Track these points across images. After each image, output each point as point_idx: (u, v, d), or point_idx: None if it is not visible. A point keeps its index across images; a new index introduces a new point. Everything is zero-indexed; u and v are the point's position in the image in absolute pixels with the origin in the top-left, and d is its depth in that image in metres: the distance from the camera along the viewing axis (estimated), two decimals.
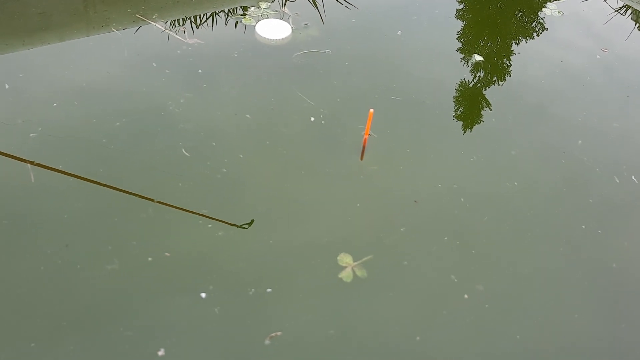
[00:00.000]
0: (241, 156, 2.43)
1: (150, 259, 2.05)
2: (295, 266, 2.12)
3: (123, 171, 2.31)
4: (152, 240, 2.10)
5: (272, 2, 3.37)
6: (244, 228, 2.15)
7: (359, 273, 2.11)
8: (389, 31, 3.33)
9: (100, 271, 2.00)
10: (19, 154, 2.30)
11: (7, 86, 2.57)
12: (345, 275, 2.10)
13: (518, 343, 2.03)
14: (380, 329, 2.00)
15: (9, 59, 2.81)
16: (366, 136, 2.51)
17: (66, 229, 2.10)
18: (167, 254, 2.07)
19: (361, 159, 2.51)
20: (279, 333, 1.93)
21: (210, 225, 2.17)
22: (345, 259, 2.15)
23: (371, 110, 2.41)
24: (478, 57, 3.21)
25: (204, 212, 2.20)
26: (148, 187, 2.26)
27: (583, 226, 2.41)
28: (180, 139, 2.44)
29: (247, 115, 2.60)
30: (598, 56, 3.36)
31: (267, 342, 1.90)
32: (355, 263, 2.14)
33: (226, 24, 3.19)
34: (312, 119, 2.60)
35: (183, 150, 2.39)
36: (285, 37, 3.12)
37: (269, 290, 2.03)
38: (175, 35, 3.00)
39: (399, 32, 3.31)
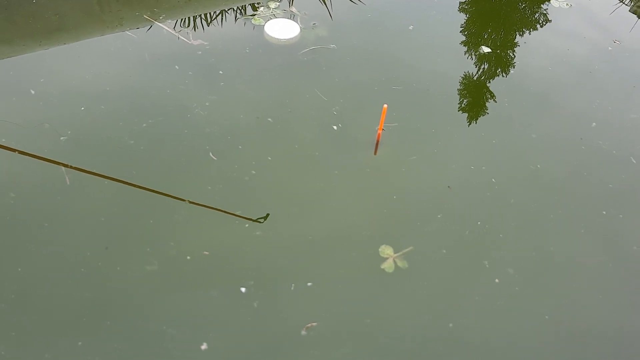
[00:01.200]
0: (269, 158, 2.47)
1: (189, 257, 2.09)
2: (336, 259, 2.18)
3: (153, 172, 2.35)
4: (190, 240, 2.15)
5: (281, 1, 3.39)
6: (260, 222, 2.19)
7: (400, 264, 2.17)
8: (398, 27, 3.36)
9: (141, 272, 2.04)
10: (51, 157, 2.33)
11: (32, 92, 2.60)
12: (387, 266, 2.16)
13: (546, 324, 2.10)
14: (414, 317, 2.07)
15: (27, 60, 2.83)
16: (380, 131, 2.55)
17: (104, 231, 2.14)
18: (206, 253, 2.11)
19: (375, 153, 2.56)
20: (314, 324, 1.97)
21: (247, 225, 2.22)
22: (386, 250, 2.20)
23: (385, 105, 2.46)
24: (486, 49, 3.26)
25: (238, 212, 2.24)
26: (178, 187, 2.30)
27: (604, 212, 2.49)
28: (206, 142, 2.48)
29: (269, 119, 2.64)
30: (610, 48, 3.42)
31: (303, 332, 1.95)
32: (396, 254, 2.20)
33: (235, 22, 3.21)
34: (335, 127, 2.64)
35: (210, 154, 2.43)
36: (294, 37, 3.14)
37: (309, 284, 2.08)
38: (182, 37, 3.02)
39: (411, 27, 3.35)
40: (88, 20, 3.10)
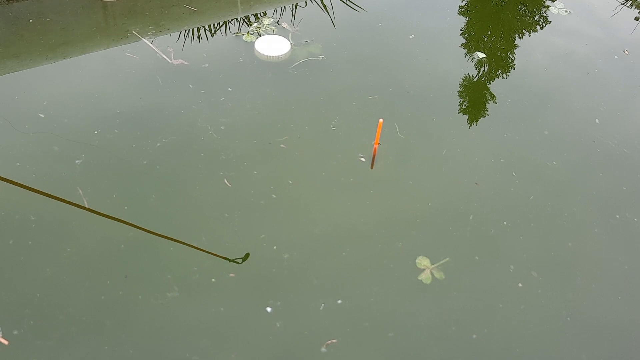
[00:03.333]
0: (290, 182, 2.49)
1: (213, 280, 2.12)
2: (370, 275, 2.22)
3: (171, 196, 2.38)
4: (214, 265, 2.17)
5: (280, 17, 3.39)
6: (237, 263, 2.20)
7: (437, 275, 2.23)
8: (398, 35, 3.38)
9: (162, 300, 2.06)
10: (68, 181, 2.34)
11: (42, 115, 2.61)
12: (425, 277, 2.21)
13: (568, 325, 2.16)
14: (440, 329, 2.11)
15: (34, 79, 2.84)
16: (376, 145, 2.59)
17: (124, 259, 2.15)
18: (232, 275, 2.14)
19: (371, 167, 2.59)
20: (334, 340, 2.01)
21: (275, 247, 2.24)
22: (423, 261, 2.26)
23: (380, 120, 2.50)
24: (480, 54, 3.31)
25: (262, 236, 2.27)
26: (194, 213, 2.34)
27: (617, 215, 2.55)
28: (221, 169, 2.49)
29: (282, 146, 2.63)
30: (616, 57, 3.46)
31: (323, 349, 1.99)
32: (433, 265, 2.25)
33: (223, 38, 3.21)
34: (363, 159, 2.63)
35: (225, 181, 2.45)
36: (285, 54, 3.10)
37: (339, 301, 2.12)
38: (164, 56, 3.00)
39: (412, 36, 3.38)
40: (94, 33, 3.11)
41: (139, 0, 3.30)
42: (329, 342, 2.02)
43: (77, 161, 2.42)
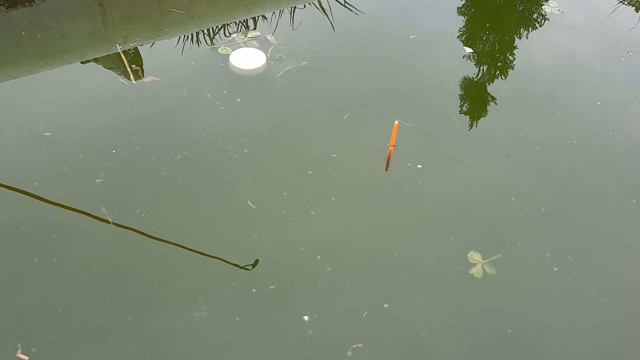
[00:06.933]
0: (333, 199, 2.47)
1: (254, 290, 2.11)
2: (417, 276, 2.23)
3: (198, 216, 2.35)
4: (252, 278, 2.15)
5: (270, 36, 3.32)
6: (247, 269, 2.18)
7: (489, 270, 2.26)
8: (397, 41, 3.39)
9: (190, 320, 2.03)
10: (89, 200, 2.31)
11: (49, 134, 2.56)
12: (476, 271, 2.25)
13: (603, 306, 2.22)
14: (472, 323, 2.13)
15: (34, 80, 2.81)
16: (391, 147, 2.60)
17: (150, 281, 2.12)
18: (272, 287, 2.13)
19: (386, 169, 2.60)
20: (360, 345, 2.02)
21: (319, 257, 2.23)
22: (475, 256, 2.30)
23: (396, 122, 2.51)
24: (468, 49, 3.37)
25: (301, 249, 2.25)
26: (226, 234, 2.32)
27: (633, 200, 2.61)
28: (243, 192, 2.45)
29: (310, 172, 2.57)
30: (623, 59, 3.50)
31: (349, 353, 1.99)
32: (484, 260, 2.29)
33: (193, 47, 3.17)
34: (419, 166, 2.63)
35: (248, 202, 2.41)
36: (260, 67, 3.04)
37: (385, 305, 2.13)
38: (131, 76, 2.91)
39: (412, 37, 3.39)
40: (92, 39, 3.05)
41: (138, 5, 3.23)
42: (355, 346, 2.01)
43: (97, 180, 2.38)
